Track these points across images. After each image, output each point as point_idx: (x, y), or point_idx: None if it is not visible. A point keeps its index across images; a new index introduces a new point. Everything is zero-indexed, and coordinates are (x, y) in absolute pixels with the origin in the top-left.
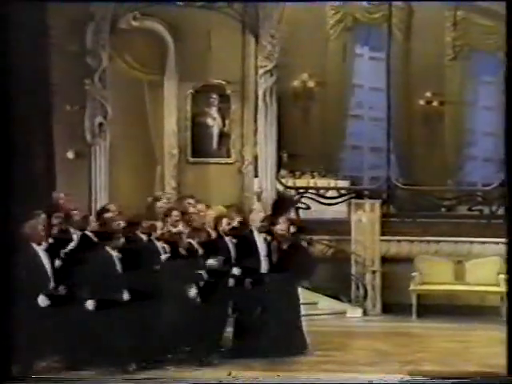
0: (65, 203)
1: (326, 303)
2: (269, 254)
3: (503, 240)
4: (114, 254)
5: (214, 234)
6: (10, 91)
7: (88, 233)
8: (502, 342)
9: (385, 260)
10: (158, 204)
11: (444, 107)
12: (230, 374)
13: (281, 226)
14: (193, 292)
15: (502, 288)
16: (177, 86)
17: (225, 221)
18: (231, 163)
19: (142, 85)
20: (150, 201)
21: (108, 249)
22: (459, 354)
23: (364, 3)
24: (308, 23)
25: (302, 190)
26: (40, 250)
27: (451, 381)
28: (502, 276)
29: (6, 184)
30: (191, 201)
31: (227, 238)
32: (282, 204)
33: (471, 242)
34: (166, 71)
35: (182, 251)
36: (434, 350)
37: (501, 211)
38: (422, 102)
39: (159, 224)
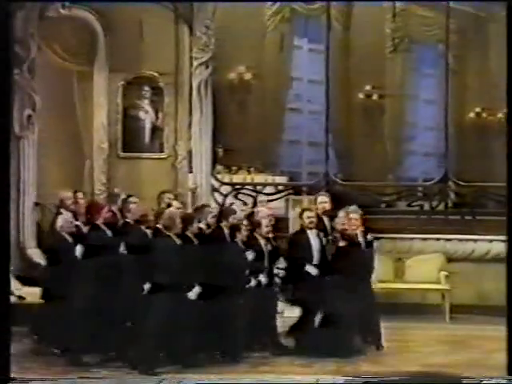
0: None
1: None
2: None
3: (444, 236)
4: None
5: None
6: None
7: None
8: (441, 342)
9: None
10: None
11: (384, 100)
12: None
13: (340, 220)
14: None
15: (444, 286)
16: (107, 78)
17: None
18: (164, 158)
19: (71, 76)
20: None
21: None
22: (397, 353)
23: None
24: (244, 14)
25: (238, 186)
26: None
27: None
28: (444, 273)
29: None
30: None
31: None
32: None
33: (411, 239)
34: (95, 62)
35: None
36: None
37: (441, 207)
38: (361, 96)
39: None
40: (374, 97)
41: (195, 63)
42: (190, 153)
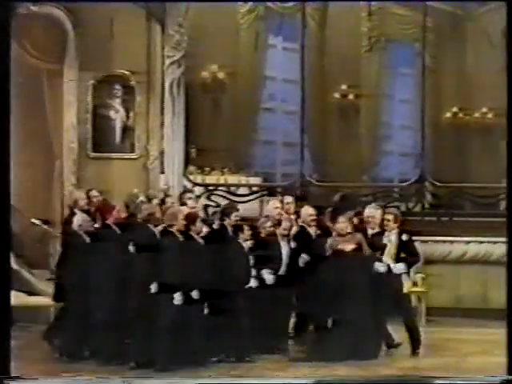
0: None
1: None
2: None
3: (420, 238)
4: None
5: None
6: None
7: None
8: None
9: None
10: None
11: (360, 100)
12: None
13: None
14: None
15: (420, 288)
16: (77, 76)
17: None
18: (135, 158)
19: (40, 73)
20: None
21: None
22: None
23: None
24: (218, 12)
25: (211, 187)
26: None
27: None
28: (420, 275)
29: None
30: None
31: None
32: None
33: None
34: (66, 60)
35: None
36: None
37: (418, 208)
38: (337, 95)
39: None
40: (350, 96)
41: (167, 62)
42: (161, 153)
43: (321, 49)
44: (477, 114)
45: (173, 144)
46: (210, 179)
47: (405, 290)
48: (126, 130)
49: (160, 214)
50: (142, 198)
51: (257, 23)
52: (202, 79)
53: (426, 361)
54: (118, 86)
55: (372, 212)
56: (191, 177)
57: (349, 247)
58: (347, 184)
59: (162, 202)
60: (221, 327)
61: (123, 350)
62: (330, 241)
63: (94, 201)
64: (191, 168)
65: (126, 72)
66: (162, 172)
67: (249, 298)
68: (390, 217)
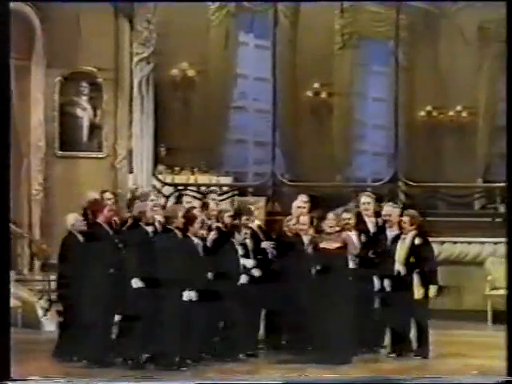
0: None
1: None
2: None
3: None
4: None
5: None
6: None
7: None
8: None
9: None
10: None
11: (333, 99)
12: None
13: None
14: None
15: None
16: (44, 73)
17: None
18: (103, 157)
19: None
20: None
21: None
22: None
23: None
24: (188, 8)
25: (181, 187)
26: None
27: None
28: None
29: None
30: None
31: None
32: None
33: None
34: (33, 56)
35: None
36: None
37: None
38: (309, 94)
39: None
40: (323, 95)
41: (136, 59)
42: (130, 152)
43: (293, 46)
44: (451, 113)
45: (141, 143)
46: (180, 179)
47: (415, 297)
48: (94, 128)
49: (152, 213)
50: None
51: (227, 20)
52: (171, 77)
53: (404, 362)
54: (85, 84)
55: (389, 210)
56: (160, 176)
57: (333, 245)
58: (320, 184)
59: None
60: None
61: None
62: (309, 238)
63: (108, 203)
64: (160, 167)
65: (93, 69)
66: (131, 171)
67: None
68: (406, 218)
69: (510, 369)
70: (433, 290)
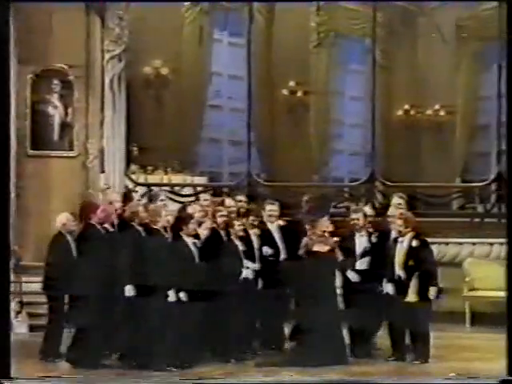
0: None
1: None
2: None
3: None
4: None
5: None
6: None
7: None
8: None
9: None
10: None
11: (309, 97)
12: None
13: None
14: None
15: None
16: (15, 70)
17: None
18: (74, 157)
19: None
20: None
21: None
22: None
23: None
24: (161, 5)
25: (154, 187)
26: None
27: None
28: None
29: None
30: None
31: None
32: None
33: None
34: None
35: None
36: None
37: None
38: (285, 92)
39: None
40: (299, 93)
41: (107, 56)
42: (102, 151)
43: (268, 44)
44: (429, 112)
45: (113, 142)
46: (153, 179)
47: (409, 300)
48: (65, 126)
49: (145, 213)
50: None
51: (201, 17)
52: (144, 75)
53: (379, 365)
54: (56, 81)
55: (392, 212)
56: (133, 176)
57: (324, 249)
58: (296, 184)
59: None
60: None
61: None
62: (305, 240)
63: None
64: (133, 167)
65: (65, 66)
66: (102, 171)
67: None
68: (400, 221)
69: (510, 369)
70: (433, 291)
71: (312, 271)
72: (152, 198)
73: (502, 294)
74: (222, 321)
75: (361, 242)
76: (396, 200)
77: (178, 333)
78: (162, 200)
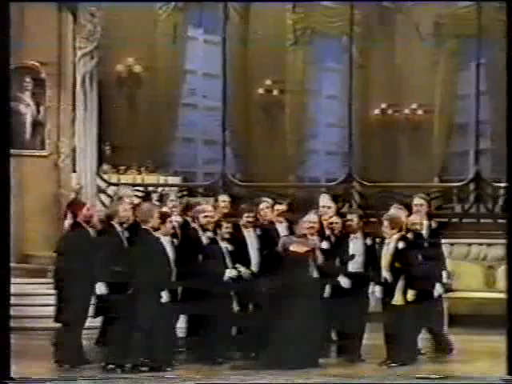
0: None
1: None
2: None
3: None
4: None
5: None
6: None
7: None
8: None
9: None
10: None
11: (285, 96)
12: None
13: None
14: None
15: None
16: None
17: None
18: (46, 156)
19: None
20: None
21: None
22: None
23: None
24: (134, 2)
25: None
26: None
27: None
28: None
29: None
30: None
31: None
32: None
33: None
34: None
35: None
36: None
37: (345, 209)
38: (261, 91)
39: None
40: (275, 92)
41: (79, 53)
42: (73, 150)
43: (244, 42)
44: (406, 111)
45: (85, 141)
46: (126, 178)
47: (395, 302)
48: (37, 125)
49: (126, 213)
50: None
51: (176, 14)
52: (116, 73)
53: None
54: (28, 79)
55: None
56: (105, 176)
57: (303, 249)
58: (272, 184)
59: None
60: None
61: None
62: (283, 240)
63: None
64: (105, 167)
65: (36, 63)
66: (74, 170)
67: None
68: (386, 222)
69: (510, 369)
70: (411, 294)
71: (287, 271)
72: (163, 199)
73: (480, 295)
74: (201, 324)
75: (354, 245)
76: (417, 201)
77: (154, 333)
78: (172, 200)
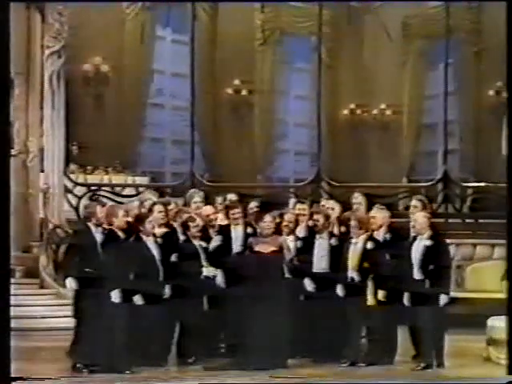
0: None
1: None
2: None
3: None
4: None
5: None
6: None
7: None
8: None
9: None
10: None
11: (253, 96)
12: None
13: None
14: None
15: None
16: None
17: None
18: (14, 155)
19: None
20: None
21: None
22: None
23: None
24: (101, 1)
25: (94, 188)
26: None
27: None
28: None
29: None
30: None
31: None
32: None
33: None
34: None
35: None
36: None
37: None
38: (229, 91)
39: None
40: (243, 92)
41: (47, 52)
42: (41, 150)
43: (212, 42)
44: (375, 111)
45: (53, 140)
46: (93, 178)
47: (369, 303)
48: None
49: (103, 214)
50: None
51: (143, 13)
52: (84, 72)
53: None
54: None
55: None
56: (72, 176)
57: (268, 249)
58: (240, 184)
59: None
60: None
61: None
62: (249, 240)
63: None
64: (72, 166)
65: None
66: (42, 170)
67: None
68: (354, 222)
69: (510, 369)
70: (381, 294)
71: (252, 271)
72: (187, 200)
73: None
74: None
75: (320, 245)
76: (414, 202)
77: (125, 335)
78: (195, 202)
